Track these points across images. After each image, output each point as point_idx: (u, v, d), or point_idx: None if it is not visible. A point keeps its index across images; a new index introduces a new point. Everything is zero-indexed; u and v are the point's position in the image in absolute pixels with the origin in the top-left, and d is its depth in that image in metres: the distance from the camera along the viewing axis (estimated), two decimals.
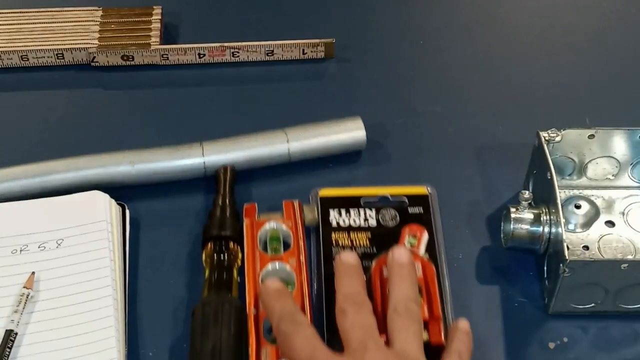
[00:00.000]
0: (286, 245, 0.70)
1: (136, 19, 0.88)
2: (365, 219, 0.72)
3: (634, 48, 0.89)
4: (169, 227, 0.73)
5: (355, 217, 0.72)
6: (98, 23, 0.87)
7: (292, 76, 0.86)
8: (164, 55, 0.86)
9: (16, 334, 0.64)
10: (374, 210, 0.72)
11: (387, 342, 0.60)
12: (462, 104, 0.84)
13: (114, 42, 0.86)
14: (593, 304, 0.66)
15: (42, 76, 0.86)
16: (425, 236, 0.70)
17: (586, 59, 0.88)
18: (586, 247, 0.71)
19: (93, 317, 0.65)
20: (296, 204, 0.72)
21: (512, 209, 0.69)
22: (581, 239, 0.71)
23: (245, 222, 0.71)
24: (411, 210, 0.72)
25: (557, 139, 0.71)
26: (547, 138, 0.70)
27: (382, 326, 0.62)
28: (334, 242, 0.70)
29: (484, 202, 0.75)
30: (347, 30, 0.90)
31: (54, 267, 0.68)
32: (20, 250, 0.69)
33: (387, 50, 0.89)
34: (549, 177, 0.67)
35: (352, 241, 0.70)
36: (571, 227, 0.72)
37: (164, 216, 0.75)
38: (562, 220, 0.65)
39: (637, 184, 0.75)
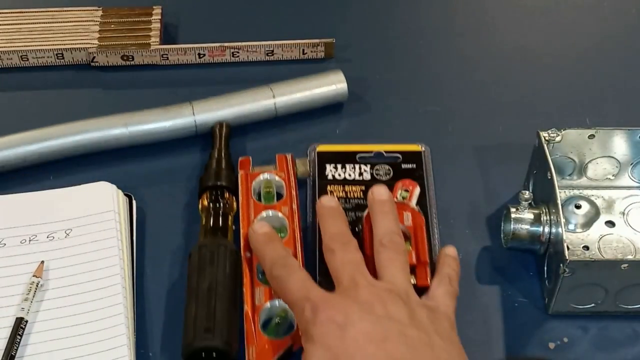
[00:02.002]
0: (279, 196, 0.73)
1: (136, 19, 0.88)
2: (360, 173, 0.75)
3: (634, 48, 0.89)
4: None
5: (350, 172, 0.75)
6: (98, 23, 0.87)
7: (292, 76, 0.86)
8: (164, 55, 0.86)
9: (27, 321, 0.65)
10: (368, 166, 0.75)
11: (376, 276, 0.63)
12: (462, 104, 0.84)
13: (114, 42, 0.86)
14: (593, 304, 0.66)
15: (42, 76, 0.86)
16: (417, 190, 0.73)
17: (586, 59, 0.88)
18: (586, 247, 0.71)
19: (102, 305, 0.66)
20: (289, 157, 0.75)
21: (512, 209, 0.69)
22: (581, 239, 0.71)
23: (240, 174, 0.74)
24: (404, 165, 0.75)
25: (557, 139, 0.71)
26: (547, 138, 0.70)
27: (373, 269, 0.65)
28: (329, 193, 0.74)
29: (484, 202, 0.75)
30: (347, 30, 0.90)
31: (62, 257, 0.69)
32: (30, 240, 0.70)
33: (387, 50, 0.89)
34: (549, 177, 0.67)
35: (346, 193, 0.74)
36: (571, 227, 0.72)
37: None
38: (562, 220, 0.65)
39: (637, 184, 0.75)
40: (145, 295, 0.69)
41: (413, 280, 0.66)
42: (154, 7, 0.89)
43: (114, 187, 0.73)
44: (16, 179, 0.76)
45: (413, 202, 0.73)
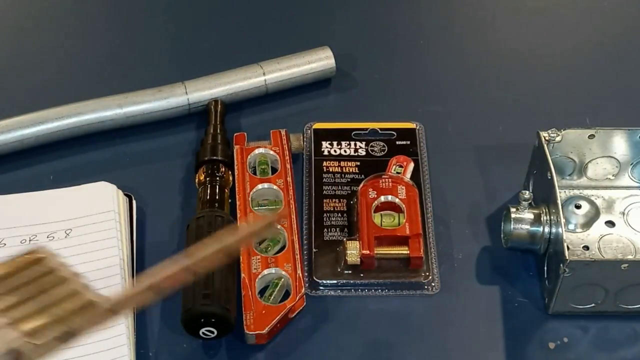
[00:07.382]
0: (274, 171, 0.75)
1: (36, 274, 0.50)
2: (355, 150, 0.77)
3: (634, 48, 0.89)
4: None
5: (346, 148, 0.78)
6: None
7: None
8: None
9: None
10: (364, 142, 0.78)
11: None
12: (462, 104, 0.84)
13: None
14: (593, 304, 0.66)
15: None
16: (410, 165, 0.76)
17: (586, 59, 0.88)
18: (586, 247, 0.71)
19: None
20: (283, 132, 0.77)
21: (512, 209, 0.69)
22: (581, 239, 0.71)
23: (236, 149, 0.76)
24: (399, 142, 0.78)
25: (557, 139, 0.71)
26: (547, 138, 0.70)
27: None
28: (324, 169, 0.76)
29: (484, 202, 0.75)
30: (347, 30, 0.90)
31: (63, 257, 0.69)
32: (30, 240, 0.70)
33: (387, 50, 0.89)
34: (549, 177, 0.67)
35: (341, 168, 0.76)
36: (571, 227, 0.72)
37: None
38: (562, 220, 0.65)
39: (637, 184, 0.75)
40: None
41: (407, 251, 0.69)
42: (37, 252, 0.51)
43: (114, 187, 0.73)
44: (16, 178, 0.77)
45: (407, 175, 0.75)
